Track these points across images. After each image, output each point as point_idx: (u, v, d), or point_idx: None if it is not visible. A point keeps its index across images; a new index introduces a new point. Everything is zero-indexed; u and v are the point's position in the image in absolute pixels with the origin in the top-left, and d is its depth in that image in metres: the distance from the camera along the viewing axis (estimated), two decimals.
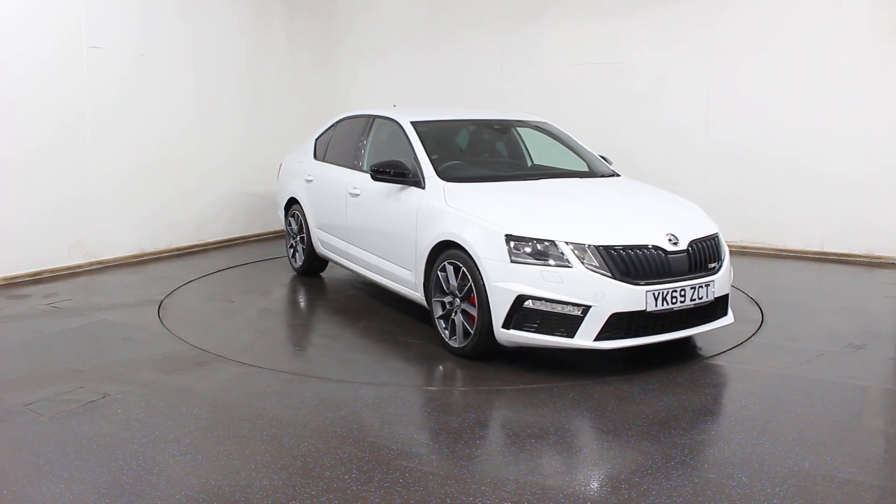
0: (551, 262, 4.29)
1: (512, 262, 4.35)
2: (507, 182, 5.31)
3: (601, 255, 4.29)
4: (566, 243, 4.32)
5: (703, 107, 8.26)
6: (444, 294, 4.80)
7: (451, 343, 4.76)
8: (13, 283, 6.62)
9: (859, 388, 4.23)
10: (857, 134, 7.51)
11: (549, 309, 4.28)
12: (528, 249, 4.36)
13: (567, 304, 4.24)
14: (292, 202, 7.08)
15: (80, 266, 7.20)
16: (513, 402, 4.07)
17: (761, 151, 7.99)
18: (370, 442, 3.52)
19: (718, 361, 4.70)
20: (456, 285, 4.68)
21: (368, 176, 5.57)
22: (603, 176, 5.71)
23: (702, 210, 5.13)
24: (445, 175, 5.20)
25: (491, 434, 3.75)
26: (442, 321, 4.86)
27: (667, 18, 8.35)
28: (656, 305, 4.30)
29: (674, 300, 4.36)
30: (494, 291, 4.38)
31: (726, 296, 4.77)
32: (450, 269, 4.71)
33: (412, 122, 5.68)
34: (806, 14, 7.65)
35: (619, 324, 4.28)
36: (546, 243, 4.34)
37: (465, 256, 4.58)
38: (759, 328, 5.35)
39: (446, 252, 4.76)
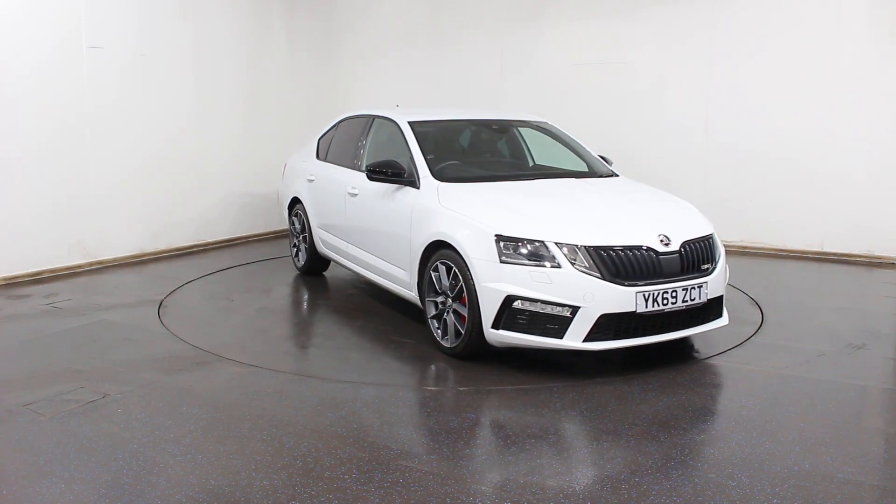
0: (540, 262, 4.29)
1: (501, 262, 4.35)
2: (503, 182, 5.31)
3: (591, 256, 4.28)
4: (555, 244, 4.31)
5: (703, 107, 8.26)
6: (437, 294, 4.80)
7: (444, 343, 4.76)
8: (13, 283, 6.62)
9: (859, 388, 4.23)
10: (857, 134, 7.51)
11: (537, 309, 4.27)
12: (517, 250, 4.35)
13: (556, 304, 4.24)
14: (295, 202, 7.12)
15: (80, 266, 7.20)
16: (513, 402, 4.07)
17: (761, 151, 7.99)
18: (370, 442, 3.52)
19: (718, 361, 4.69)
20: (448, 285, 4.68)
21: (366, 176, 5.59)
22: (601, 176, 5.70)
23: (698, 210, 5.10)
24: (440, 175, 5.21)
25: (491, 434, 3.75)
26: (435, 321, 4.86)
27: (667, 18, 8.35)
28: (647, 307, 4.29)
29: (665, 302, 4.34)
30: (484, 291, 4.38)
31: (721, 297, 4.75)
32: (442, 269, 4.72)
33: (409, 122, 5.70)
34: (806, 14, 7.66)
35: (608, 325, 4.26)
36: (536, 244, 4.34)
37: (456, 256, 4.59)
38: (759, 328, 5.35)
39: (439, 252, 4.77)
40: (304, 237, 6.96)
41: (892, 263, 7.38)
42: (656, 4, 8.40)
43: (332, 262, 6.86)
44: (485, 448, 3.57)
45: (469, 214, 4.67)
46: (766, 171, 7.98)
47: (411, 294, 5.18)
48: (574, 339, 4.26)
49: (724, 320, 4.82)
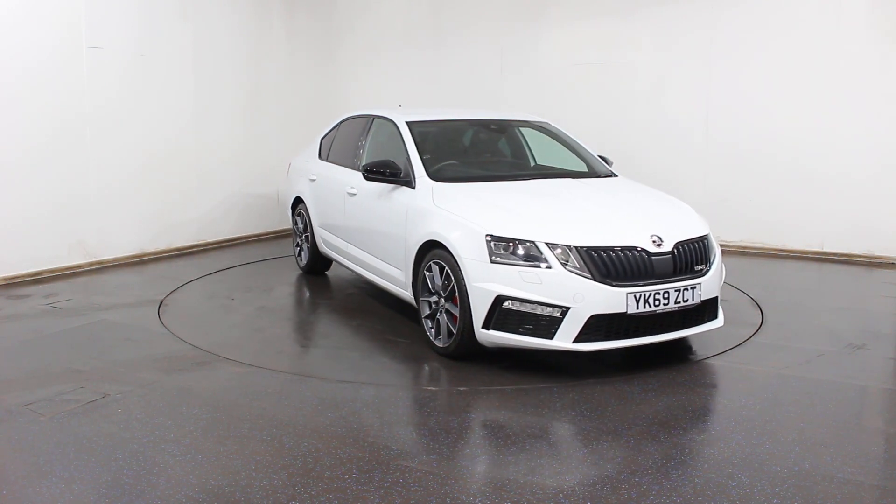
0: (531, 262, 4.28)
1: (492, 262, 4.34)
2: (499, 182, 5.31)
3: (581, 257, 4.27)
4: (546, 244, 4.30)
5: (703, 107, 8.26)
6: (431, 294, 4.80)
7: (437, 343, 4.77)
8: (13, 283, 6.62)
9: (859, 388, 4.23)
10: (857, 134, 7.51)
11: (527, 310, 4.26)
12: (508, 250, 4.35)
13: (546, 305, 4.23)
14: (298, 201, 7.18)
15: (80, 266, 7.20)
16: (512, 402, 4.06)
17: (761, 151, 7.99)
18: (370, 442, 3.52)
19: (718, 362, 4.69)
20: (440, 285, 4.68)
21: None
22: (600, 176, 5.70)
23: (694, 211, 5.07)
24: (436, 175, 5.22)
25: (491, 434, 3.75)
26: (428, 321, 4.86)
27: (667, 18, 8.35)
28: (637, 308, 4.27)
29: (656, 303, 4.31)
30: (475, 291, 4.38)
31: (716, 298, 4.72)
32: (435, 268, 4.72)
33: (408, 123, 5.71)
34: (806, 14, 7.65)
35: (599, 326, 4.24)
36: (527, 244, 4.33)
37: (448, 256, 4.59)
38: (758, 328, 5.35)
39: (432, 252, 4.77)
40: (307, 236, 7.00)
41: (892, 263, 7.38)
42: (656, 4, 8.40)
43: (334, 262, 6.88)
44: (485, 448, 3.57)
45: (462, 214, 4.66)
46: (766, 171, 7.98)
47: (407, 294, 5.19)
48: (564, 340, 4.25)
49: (718, 322, 4.79)
